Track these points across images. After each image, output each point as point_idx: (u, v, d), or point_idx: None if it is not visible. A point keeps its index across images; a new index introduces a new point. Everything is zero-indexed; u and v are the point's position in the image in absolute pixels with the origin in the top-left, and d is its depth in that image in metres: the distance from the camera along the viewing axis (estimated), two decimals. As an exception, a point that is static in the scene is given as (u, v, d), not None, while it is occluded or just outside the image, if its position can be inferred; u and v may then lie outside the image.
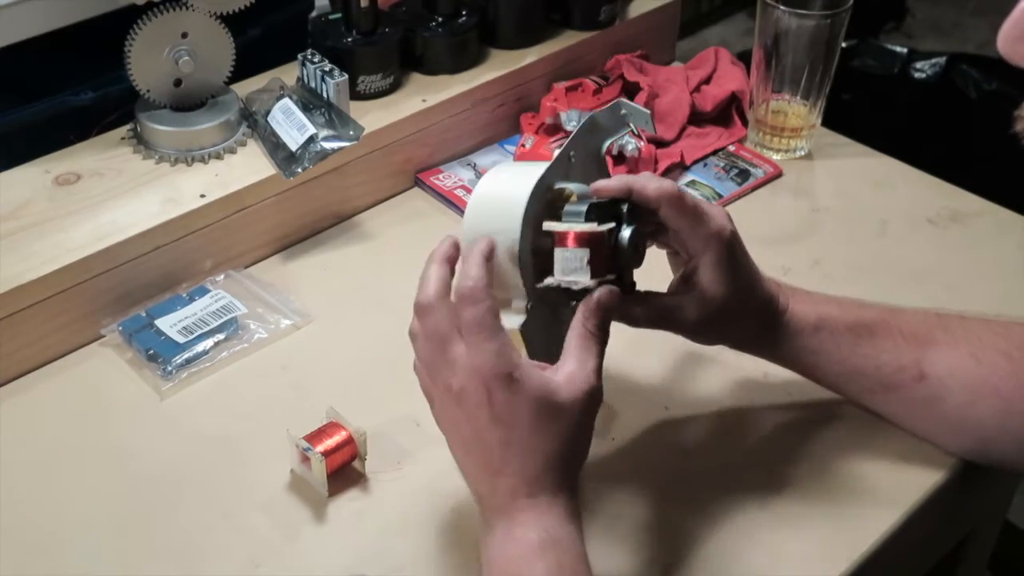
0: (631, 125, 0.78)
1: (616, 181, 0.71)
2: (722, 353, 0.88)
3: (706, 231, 0.72)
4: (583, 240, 0.68)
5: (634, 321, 0.74)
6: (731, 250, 0.72)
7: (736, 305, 0.74)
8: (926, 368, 0.76)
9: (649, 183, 0.71)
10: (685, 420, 0.85)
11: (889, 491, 0.79)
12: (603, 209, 0.71)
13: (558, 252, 0.69)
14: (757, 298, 0.76)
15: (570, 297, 0.71)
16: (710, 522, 0.76)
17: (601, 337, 0.68)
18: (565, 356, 0.67)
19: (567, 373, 0.66)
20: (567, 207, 0.71)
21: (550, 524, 0.64)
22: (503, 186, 0.72)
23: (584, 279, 0.68)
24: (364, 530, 0.76)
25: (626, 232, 0.70)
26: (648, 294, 0.75)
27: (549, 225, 0.69)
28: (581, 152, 0.75)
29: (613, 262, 0.70)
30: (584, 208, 0.70)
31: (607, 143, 0.78)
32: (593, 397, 0.66)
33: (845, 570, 0.74)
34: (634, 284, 0.74)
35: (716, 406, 0.86)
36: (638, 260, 0.72)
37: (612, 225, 0.70)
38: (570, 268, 0.69)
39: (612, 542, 0.75)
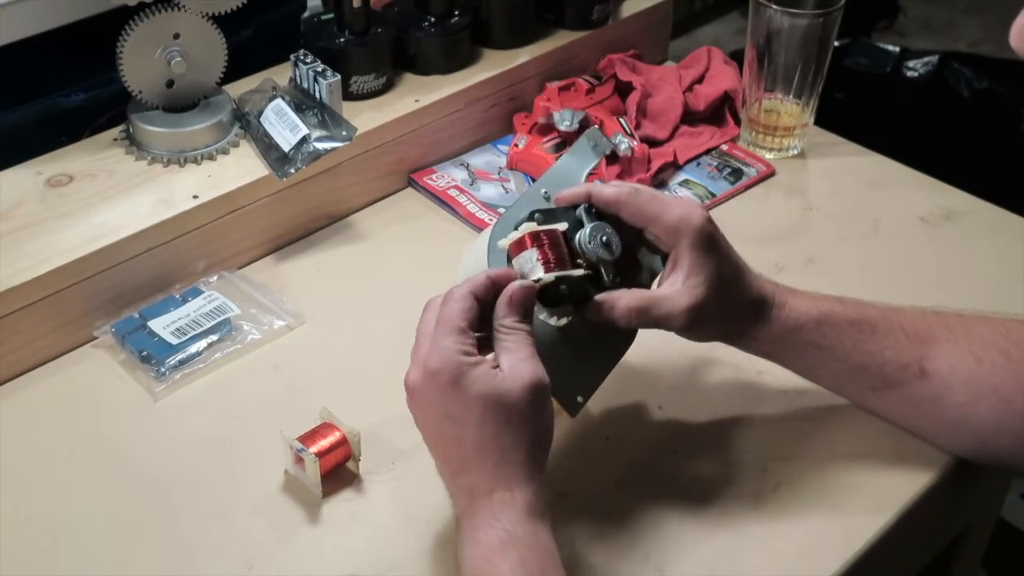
0: (598, 157, 0.81)
1: (577, 188, 0.75)
2: (716, 352, 0.88)
3: (671, 219, 0.73)
4: (531, 241, 0.72)
5: (620, 317, 0.73)
6: (704, 233, 0.72)
7: (723, 291, 0.73)
8: (927, 366, 0.76)
9: (606, 187, 0.75)
10: (679, 419, 0.85)
11: (882, 490, 0.79)
12: (559, 217, 0.74)
13: (514, 262, 0.72)
14: (745, 287, 0.75)
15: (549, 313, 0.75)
16: (703, 520, 0.77)
17: (525, 328, 0.69)
18: (498, 354, 0.68)
19: (507, 366, 0.67)
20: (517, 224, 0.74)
21: (509, 522, 0.65)
22: (479, 237, 0.77)
23: (539, 273, 0.71)
24: (358, 531, 0.76)
25: (587, 228, 0.73)
26: (633, 290, 0.74)
27: (502, 242, 0.73)
28: (560, 187, 0.77)
29: (580, 259, 0.73)
30: (525, 214, 0.73)
31: (585, 174, 0.80)
32: (538, 384, 0.67)
33: (838, 568, 0.74)
34: (616, 278, 0.74)
35: (710, 405, 0.86)
36: (611, 253, 0.73)
37: (564, 225, 0.73)
38: (526, 270, 0.72)
39: (605, 540, 0.75)
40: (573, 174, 0.80)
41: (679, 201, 0.74)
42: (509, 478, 0.66)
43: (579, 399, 0.76)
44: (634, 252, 0.77)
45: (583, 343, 0.76)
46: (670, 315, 0.73)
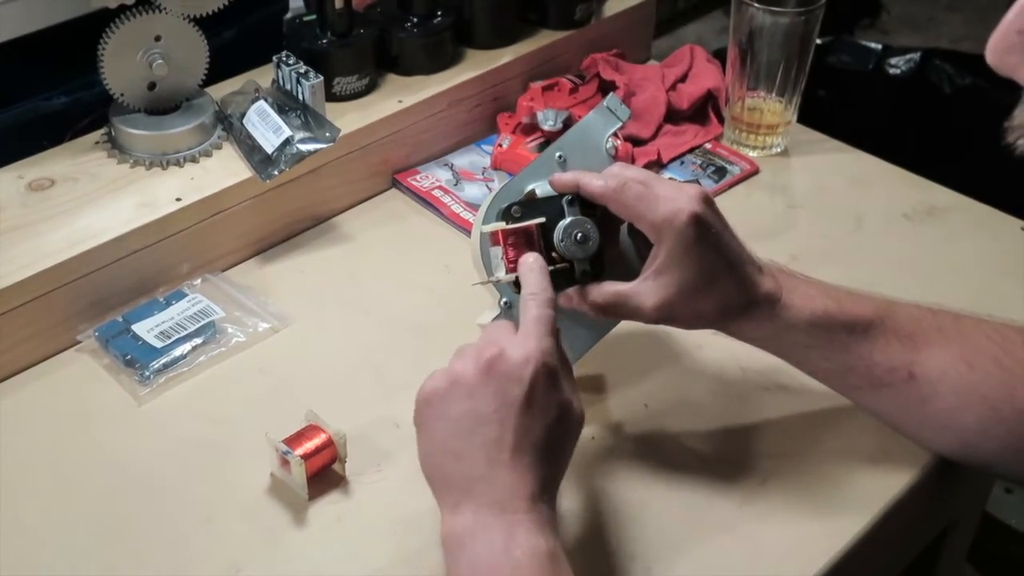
0: (621, 119, 0.81)
1: (568, 176, 0.76)
2: (701, 350, 0.89)
3: (655, 220, 0.72)
4: (503, 237, 0.74)
5: (589, 311, 0.75)
6: (685, 236, 0.71)
7: (704, 288, 0.73)
8: (916, 370, 0.75)
9: (594, 180, 0.74)
10: (665, 417, 0.85)
11: (868, 485, 0.79)
12: (540, 209, 0.74)
13: (491, 251, 0.75)
14: (737, 284, 0.74)
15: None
16: (691, 519, 0.77)
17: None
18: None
19: (572, 391, 0.68)
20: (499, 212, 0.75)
21: (552, 533, 0.64)
22: (484, 201, 0.78)
23: (500, 273, 0.74)
24: (345, 533, 0.76)
25: (563, 224, 0.74)
26: (604, 283, 0.75)
27: (485, 228, 0.75)
28: (577, 152, 0.78)
29: (553, 254, 0.74)
30: (502, 208, 0.74)
31: (607, 137, 0.80)
32: (583, 419, 0.69)
33: (825, 564, 0.74)
34: (588, 273, 0.75)
35: (696, 403, 0.86)
36: (586, 249, 0.74)
37: (542, 219, 0.74)
38: (494, 265, 0.74)
39: (592, 540, 0.75)
40: (591, 139, 0.80)
41: (668, 198, 0.72)
42: (553, 488, 0.67)
43: None
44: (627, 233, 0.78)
45: (567, 319, 0.77)
46: (637, 312, 0.74)
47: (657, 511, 0.77)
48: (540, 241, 0.74)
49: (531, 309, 0.69)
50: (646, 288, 0.73)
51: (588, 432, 0.83)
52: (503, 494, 0.64)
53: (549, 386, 0.66)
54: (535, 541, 0.63)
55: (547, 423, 0.65)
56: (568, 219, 0.74)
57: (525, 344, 0.66)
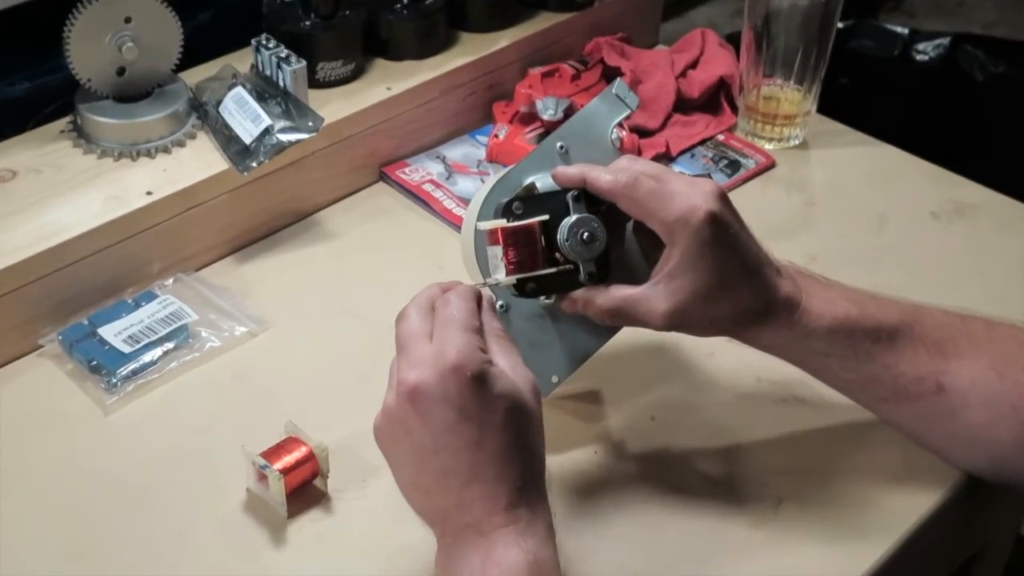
0: (631, 106, 0.81)
1: (574, 170, 0.75)
2: (712, 359, 0.89)
3: (668, 219, 0.71)
4: (503, 236, 0.73)
5: (595, 316, 0.75)
6: (700, 237, 0.71)
7: (720, 293, 0.72)
8: (945, 380, 0.75)
9: (602, 175, 0.74)
10: (673, 431, 0.85)
11: (892, 506, 0.79)
12: (544, 204, 0.74)
13: (488, 250, 0.74)
14: (754, 288, 0.74)
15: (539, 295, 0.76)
16: (699, 540, 0.76)
17: (504, 331, 0.70)
18: (492, 357, 0.66)
19: (508, 368, 0.66)
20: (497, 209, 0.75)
21: (535, 544, 0.64)
22: (476, 195, 0.77)
23: (500, 275, 0.73)
24: (326, 553, 0.76)
25: (567, 222, 0.74)
26: (611, 287, 0.74)
27: (481, 225, 0.74)
28: (580, 142, 0.78)
29: (556, 254, 0.74)
30: (501, 204, 0.74)
31: (611, 127, 0.80)
32: (539, 392, 0.67)
33: (845, 591, 0.74)
34: (594, 275, 0.75)
35: (705, 416, 0.86)
36: (592, 250, 0.74)
37: (546, 216, 0.73)
38: (492, 266, 0.74)
39: (596, 560, 0.75)
40: (596, 129, 0.79)
41: (683, 195, 0.72)
42: (531, 492, 0.65)
43: (553, 379, 0.78)
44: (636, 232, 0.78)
45: (567, 322, 0.77)
46: (647, 318, 0.74)
47: (663, 531, 0.77)
48: (541, 239, 0.74)
49: (447, 307, 0.67)
50: (657, 293, 0.73)
51: (590, 446, 0.83)
52: (478, 515, 0.64)
53: (480, 390, 0.63)
54: (511, 555, 0.63)
55: (497, 426, 0.64)
56: (573, 217, 0.73)
57: (440, 359, 0.64)
